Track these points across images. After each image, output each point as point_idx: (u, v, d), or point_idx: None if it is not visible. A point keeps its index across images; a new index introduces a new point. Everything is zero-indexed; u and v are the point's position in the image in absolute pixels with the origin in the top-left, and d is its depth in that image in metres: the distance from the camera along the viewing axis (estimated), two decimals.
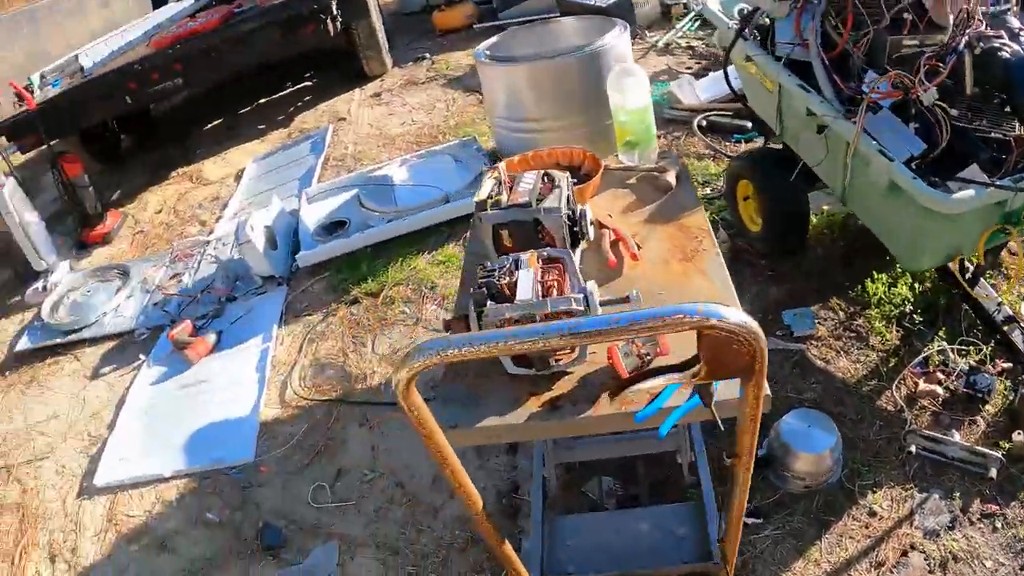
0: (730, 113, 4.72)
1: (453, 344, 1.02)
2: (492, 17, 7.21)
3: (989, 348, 2.81)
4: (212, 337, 3.67)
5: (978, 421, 2.66)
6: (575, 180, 2.04)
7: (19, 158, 5.73)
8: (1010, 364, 2.80)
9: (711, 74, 5.10)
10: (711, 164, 4.25)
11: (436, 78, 6.34)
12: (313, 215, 4.38)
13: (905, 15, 2.42)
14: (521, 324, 1.42)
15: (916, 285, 3.09)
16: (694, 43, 6.10)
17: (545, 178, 1.76)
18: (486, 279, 1.46)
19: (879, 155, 2.39)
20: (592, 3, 6.20)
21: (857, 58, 2.57)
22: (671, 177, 2.11)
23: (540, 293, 1.44)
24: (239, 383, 3.38)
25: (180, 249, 4.65)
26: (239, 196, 5.23)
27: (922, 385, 2.77)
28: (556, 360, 1.55)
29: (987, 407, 2.67)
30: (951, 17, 2.38)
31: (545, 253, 1.53)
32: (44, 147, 5.13)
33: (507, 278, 1.46)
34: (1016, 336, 2.88)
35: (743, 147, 4.39)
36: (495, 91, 4.24)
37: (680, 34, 6.26)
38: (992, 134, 2.41)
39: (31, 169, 6.19)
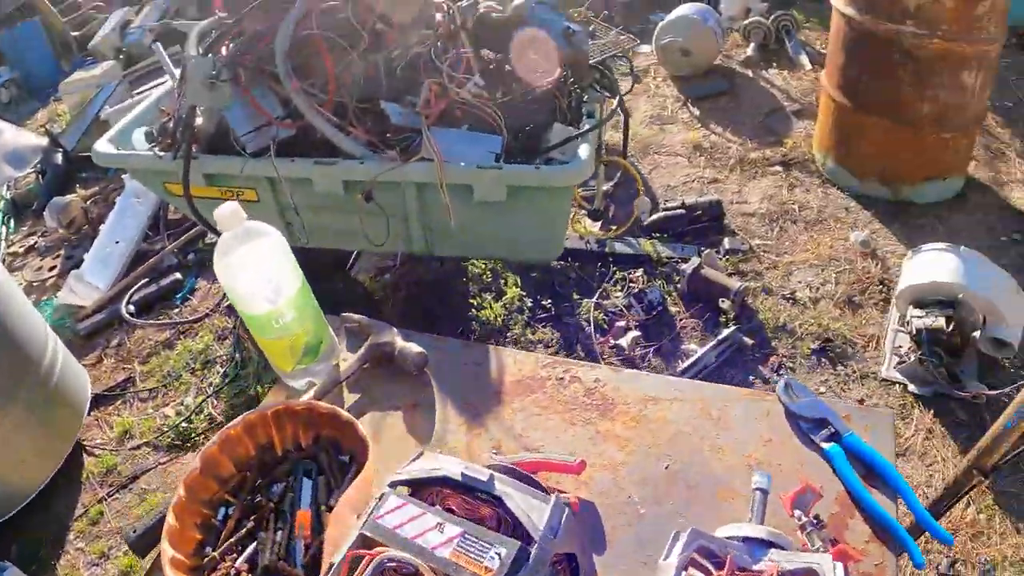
0: (148, 279, 3.70)
1: None
2: None
3: (617, 274, 2.80)
4: None
5: (684, 324, 2.63)
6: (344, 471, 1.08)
7: None
8: (639, 270, 2.83)
9: (87, 257, 3.92)
10: (190, 342, 3.23)
11: None
12: None
13: (378, 28, 1.96)
14: None
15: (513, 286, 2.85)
16: (28, 242, 4.66)
17: None
18: None
19: (483, 171, 1.97)
20: None
21: (351, 100, 2.03)
22: (403, 342, 1.29)
23: None
24: None
25: None
26: None
27: (621, 342, 2.60)
28: None
29: (670, 309, 2.67)
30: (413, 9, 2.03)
31: None
32: None
33: None
34: (618, 246, 2.92)
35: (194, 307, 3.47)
36: None
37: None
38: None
39: None
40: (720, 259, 2.82)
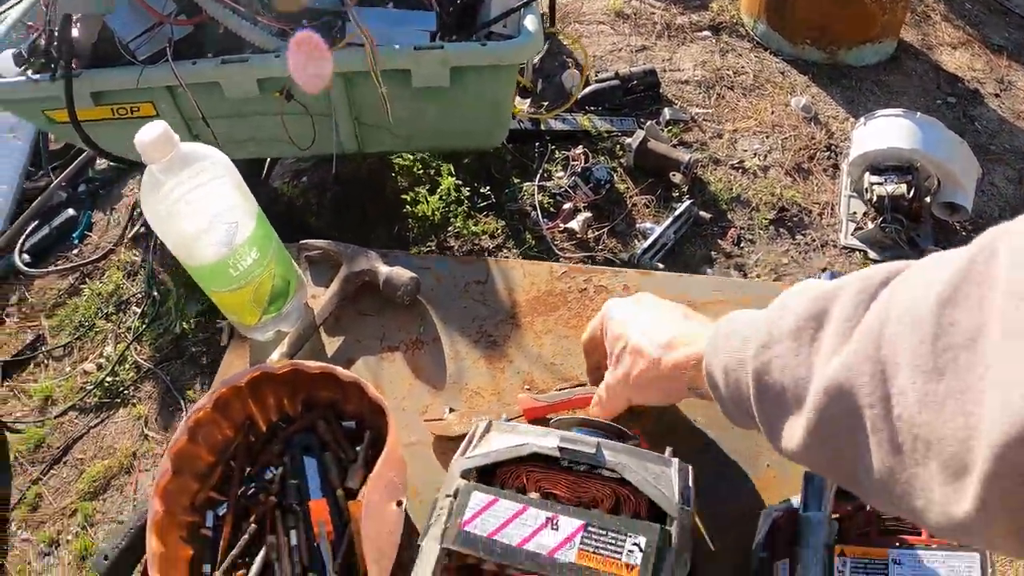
0: (38, 222, 3.21)
1: None
2: None
3: (557, 153, 2.62)
4: None
5: (635, 202, 2.50)
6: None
7: None
8: (579, 147, 2.65)
9: None
10: (97, 284, 2.85)
11: None
12: None
13: None
14: None
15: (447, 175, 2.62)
16: None
17: None
18: None
19: (422, 52, 1.71)
20: None
21: None
22: (387, 268, 1.09)
23: None
24: None
25: None
26: None
27: (572, 225, 2.45)
28: None
29: (618, 187, 2.53)
30: None
31: None
32: None
33: None
34: (553, 124, 2.73)
35: (95, 244, 3.05)
36: None
37: None
38: None
39: None
40: (662, 130, 2.68)
